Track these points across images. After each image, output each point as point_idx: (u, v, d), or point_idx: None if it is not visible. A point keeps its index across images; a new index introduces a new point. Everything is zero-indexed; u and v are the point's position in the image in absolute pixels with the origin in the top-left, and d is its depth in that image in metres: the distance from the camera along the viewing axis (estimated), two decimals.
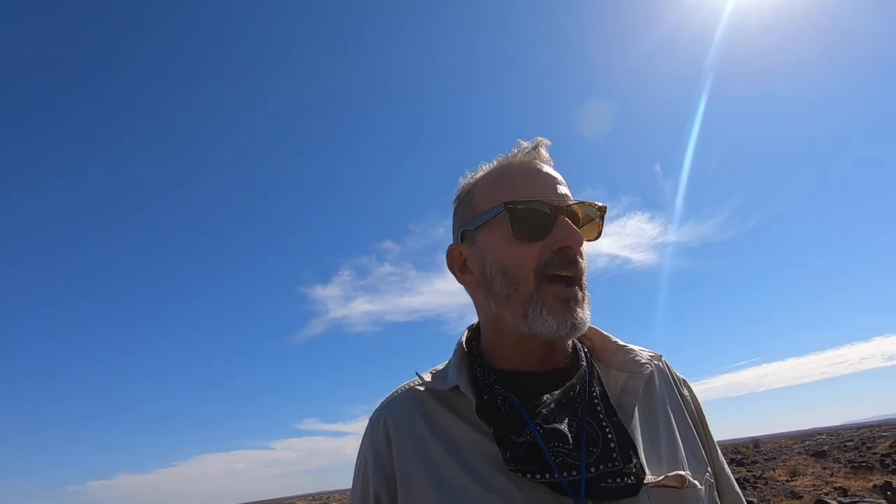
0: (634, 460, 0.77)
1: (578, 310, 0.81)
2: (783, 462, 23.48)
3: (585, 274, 0.85)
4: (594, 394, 0.84)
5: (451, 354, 0.95)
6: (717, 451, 0.93)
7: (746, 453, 28.01)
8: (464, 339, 0.95)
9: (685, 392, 0.96)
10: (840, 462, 19.74)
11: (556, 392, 0.83)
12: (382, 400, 0.93)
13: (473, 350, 0.92)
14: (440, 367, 0.95)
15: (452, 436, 0.83)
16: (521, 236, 0.82)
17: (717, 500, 0.86)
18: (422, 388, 0.91)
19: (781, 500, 15.24)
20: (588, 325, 0.83)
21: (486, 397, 0.81)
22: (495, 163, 0.93)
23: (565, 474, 0.74)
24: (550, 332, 0.80)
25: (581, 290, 0.83)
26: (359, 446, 0.92)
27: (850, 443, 24.69)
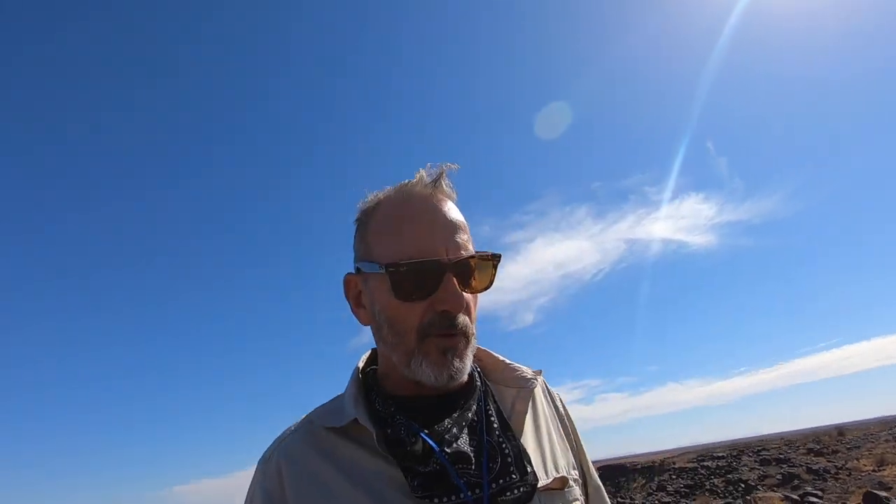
0: (529, 470, 0.84)
1: (456, 361, 0.83)
2: (869, 451, 21.85)
3: (473, 322, 0.88)
4: (489, 412, 0.89)
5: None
6: (585, 457, 1.03)
7: (827, 442, 26.28)
8: (360, 364, 0.97)
9: (559, 405, 1.05)
10: None
11: (455, 414, 0.86)
12: (274, 440, 0.91)
13: (369, 377, 0.94)
14: (331, 401, 0.94)
15: (354, 467, 0.83)
16: (403, 297, 0.83)
17: (582, 499, 0.94)
18: (315, 425, 0.89)
19: (865, 491, 14.15)
20: (467, 371, 0.86)
21: (388, 430, 0.82)
22: (394, 192, 0.91)
23: (470, 494, 0.78)
24: (429, 382, 0.83)
25: (466, 337, 0.85)
26: (248, 487, 0.89)
27: None
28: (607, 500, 1.05)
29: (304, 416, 0.93)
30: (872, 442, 23.79)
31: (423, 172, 0.91)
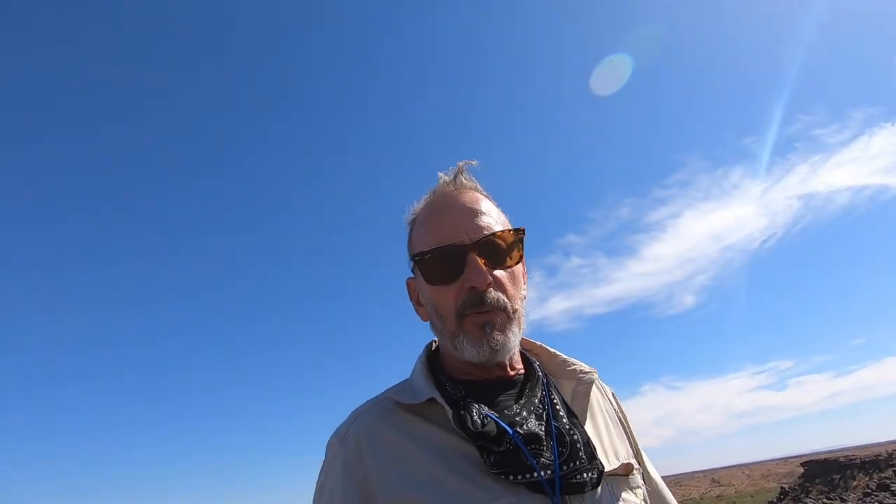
0: (597, 455, 0.89)
1: (496, 334, 0.89)
2: None
3: (515, 297, 0.92)
4: (554, 399, 0.94)
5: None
6: (640, 451, 1.07)
7: None
8: (424, 356, 1.01)
9: (613, 401, 1.10)
10: None
11: (523, 400, 0.92)
12: (348, 416, 0.96)
13: (434, 366, 0.99)
14: (400, 383, 0.99)
15: (430, 442, 0.88)
16: (434, 282, 0.92)
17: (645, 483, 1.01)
18: (390, 401, 0.94)
19: None
20: (513, 348, 0.92)
21: (462, 412, 0.86)
22: (424, 199, 1.02)
23: (543, 473, 0.82)
24: (473, 359, 0.89)
25: (506, 312, 0.90)
26: (322, 462, 0.94)
27: None
28: (667, 490, 1.08)
29: (375, 396, 0.98)
30: None
31: (442, 175, 1.01)
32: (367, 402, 0.98)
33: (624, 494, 0.91)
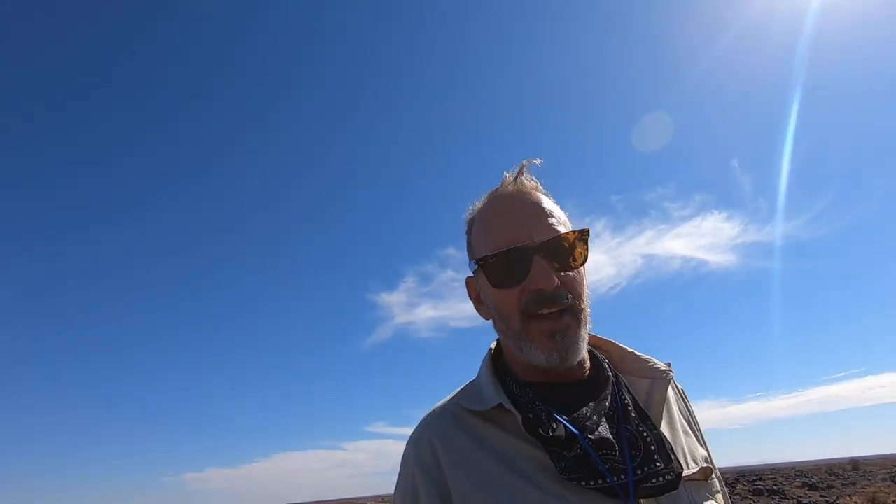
0: (674, 458, 0.84)
1: (565, 341, 0.86)
2: (864, 488, 23.99)
3: (582, 298, 0.90)
4: (626, 401, 0.90)
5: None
6: (711, 455, 1.00)
7: (821, 476, 21.51)
8: (489, 358, 1.00)
9: (686, 401, 1.05)
10: None
11: (592, 403, 0.88)
12: (419, 422, 0.96)
13: (500, 366, 0.97)
14: (467, 385, 0.99)
15: (501, 448, 0.86)
16: (499, 285, 0.89)
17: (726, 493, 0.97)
18: (459, 408, 0.94)
19: None
20: (582, 351, 0.89)
21: (530, 415, 0.85)
22: (485, 198, 0.99)
23: (615, 479, 0.79)
24: (541, 364, 0.87)
25: (574, 315, 0.88)
26: (399, 471, 0.94)
27: None
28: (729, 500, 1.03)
29: (443, 400, 0.98)
30: (869, 480, 23.62)
31: (506, 174, 0.99)
32: (436, 407, 0.98)
33: (704, 500, 0.87)
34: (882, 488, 20.77)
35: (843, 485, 23.32)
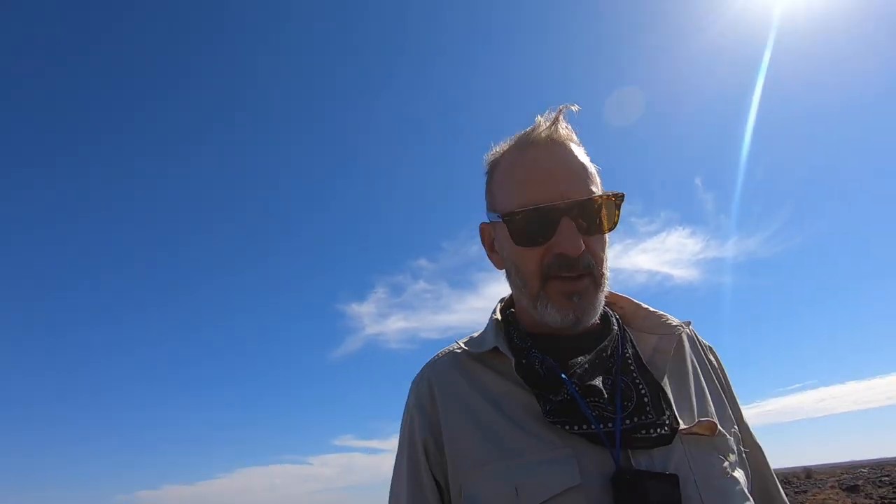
0: (668, 412, 0.82)
1: (583, 302, 0.85)
2: (814, 496, 25.67)
3: (601, 264, 0.88)
4: (627, 354, 0.90)
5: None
6: (741, 413, 0.99)
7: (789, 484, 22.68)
8: (498, 307, 1.02)
9: (712, 358, 1.02)
10: (872, 498, 19.60)
11: (589, 354, 0.88)
12: (425, 364, 1.01)
13: (508, 317, 0.99)
14: (475, 334, 1.02)
15: (492, 390, 0.89)
16: (522, 243, 0.87)
17: (744, 454, 0.91)
18: (460, 351, 0.98)
19: None
20: (597, 314, 0.89)
21: (524, 360, 0.87)
22: (513, 142, 0.94)
23: (601, 426, 0.79)
24: (556, 325, 0.86)
25: (593, 278, 0.86)
26: (404, 407, 0.99)
27: (887, 478, 20.96)
28: (768, 462, 1.00)
29: (450, 344, 1.02)
30: (819, 487, 25.16)
31: (540, 119, 0.92)
32: (443, 349, 1.02)
33: (706, 456, 0.83)
34: (831, 496, 22.23)
35: (796, 493, 24.64)
